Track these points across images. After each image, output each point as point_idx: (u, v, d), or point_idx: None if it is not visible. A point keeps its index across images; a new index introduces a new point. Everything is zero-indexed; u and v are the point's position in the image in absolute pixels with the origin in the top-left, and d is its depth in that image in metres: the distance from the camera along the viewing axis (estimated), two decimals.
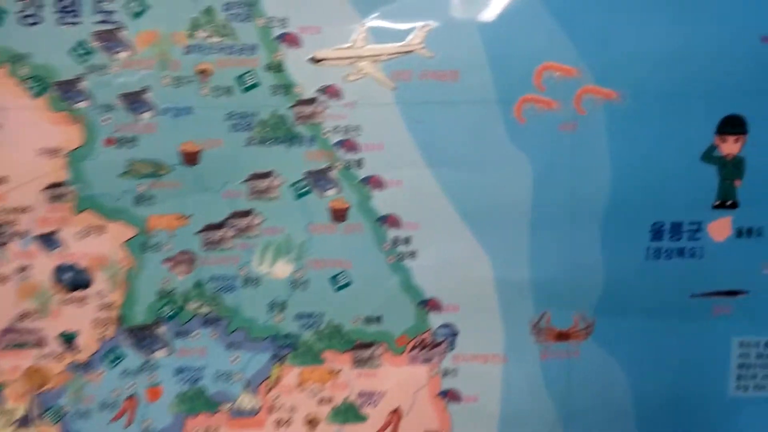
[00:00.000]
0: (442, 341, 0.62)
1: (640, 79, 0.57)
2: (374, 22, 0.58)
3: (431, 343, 0.62)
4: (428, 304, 0.61)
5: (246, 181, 0.60)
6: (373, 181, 0.60)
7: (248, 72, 0.57)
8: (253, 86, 0.58)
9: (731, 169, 0.59)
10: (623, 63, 0.57)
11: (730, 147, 0.58)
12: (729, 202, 0.59)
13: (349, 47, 0.59)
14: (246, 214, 0.62)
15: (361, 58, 0.59)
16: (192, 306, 0.63)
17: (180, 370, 0.64)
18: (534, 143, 0.58)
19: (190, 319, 0.64)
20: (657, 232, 0.60)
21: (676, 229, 0.60)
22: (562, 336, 0.62)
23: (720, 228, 0.59)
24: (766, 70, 0.56)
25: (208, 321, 0.64)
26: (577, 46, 0.57)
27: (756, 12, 0.56)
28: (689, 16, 0.57)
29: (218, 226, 0.62)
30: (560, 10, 0.57)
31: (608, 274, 0.60)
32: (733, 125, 0.58)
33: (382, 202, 0.60)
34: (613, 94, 0.58)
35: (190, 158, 0.60)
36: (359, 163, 0.60)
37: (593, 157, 0.58)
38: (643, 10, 0.57)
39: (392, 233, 0.60)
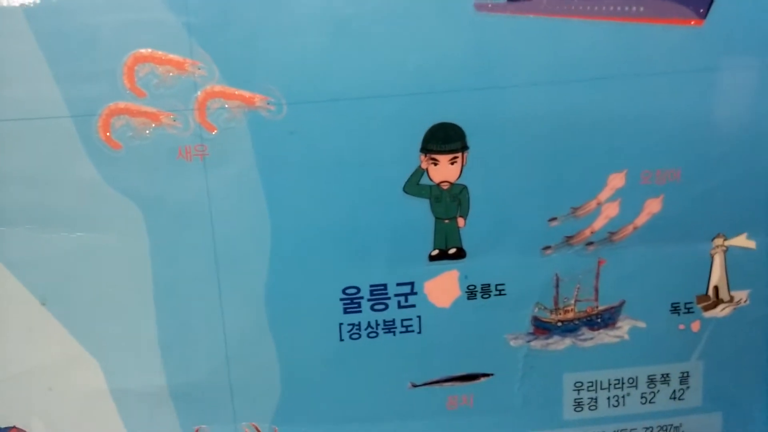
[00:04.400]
0: None
1: (296, 73, 0.41)
2: None
3: None
4: None
5: None
6: None
7: None
8: None
9: (449, 203, 0.44)
10: (265, 49, 0.40)
11: (444, 171, 0.44)
12: (452, 250, 0.45)
13: None
14: None
15: None
16: None
17: None
18: (141, 182, 0.42)
19: None
20: (351, 302, 0.45)
21: (379, 294, 0.46)
22: None
23: (442, 287, 0.46)
24: (484, 53, 0.42)
25: None
26: (188, 23, 0.40)
27: None
28: None
29: None
30: None
31: (286, 368, 0.46)
32: (443, 139, 0.43)
33: None
34: (256, 98, 0.41)
35: None
36: None
37: (239, 197, 0.43)
38: None
39: None
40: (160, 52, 0.39)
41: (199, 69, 0.40)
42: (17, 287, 0.42)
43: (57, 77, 0.39)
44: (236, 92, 0.40)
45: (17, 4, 0.38)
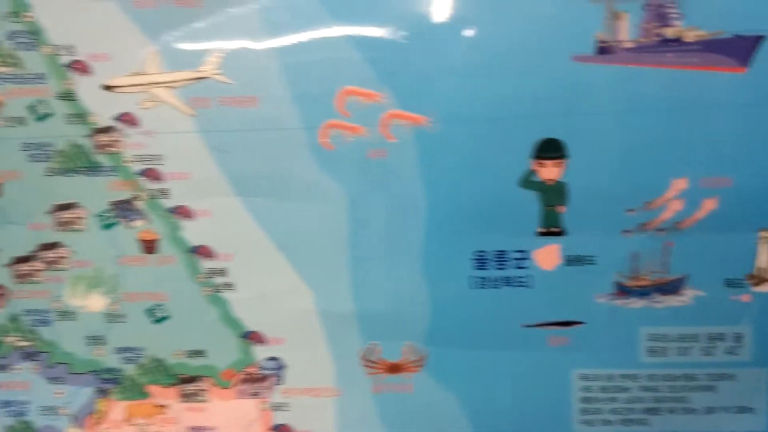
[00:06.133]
0: (270, 375, 0.68)
1: (448, 102, 0.61)
2: (166, 46, 0.66)
3: (258, 377, 0.69)
4: (251, 337, 0.67)
5: (50, 212, 0.67)
6: (182, 211, 0.66)
7: (39, 101, 0.65)
8: (47, 115, 0.65)
9: (553, 195, 0.63)
10: (427, 86, 0.61)
11: (549, 172, 0.62)
12: (555, 229, 0.63)
13: (140, 73, 0.67)
14: (53, 246, 0.70)
15: (154, 84, 0.66)
16: (10, 340, 0.72)
17: (4, 404, 0.73)
18: (344, 171, 0.63)
19: (9, 353, 0.72)
20: (480, 261, 0.66)
21: (501, 257, 0.65)
22: (394, 368, 0.67)
23: (547, 256, 0.64)
24: (579, 90, 0.61)
25: (28, 355, 0.72)
26: (377, 69, 0.62)
27: (565, 31, 0.60)
28: (494, 37, 0.60)
29: (26, 258, 0.70)
30: (358, 34, 0.62)
31: (434, 305, 0.65)
32: (549, 149, 0.62)
33: (192, 232, 0.66)
34: (421, 118, 0.63)
35: None
36: (165, 193, 0.67)
37: (407, 185, 0.63)
38: (443, 31, 0.61)
39: (206, 264, 0.66)
40: (359, 88, 0.68)
41: (384, 99, 0.68)
42: (262, 236, 0.65)
43: (296, 101, 0.69)
44: (407, 114, 0.67)
45: (273, 51, 0.69)
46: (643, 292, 0.66)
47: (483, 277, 0.66)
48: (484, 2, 0.60)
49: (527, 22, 0.60)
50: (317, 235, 0.65)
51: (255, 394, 0.69)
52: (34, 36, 0.61)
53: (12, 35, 0.60)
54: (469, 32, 0.61)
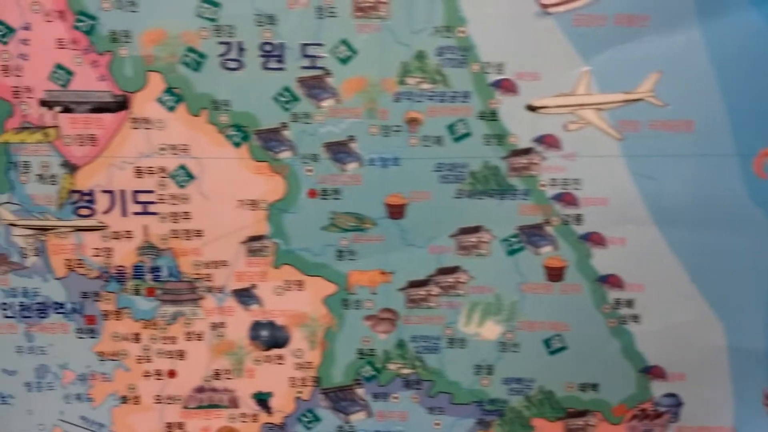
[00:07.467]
0: (665, 412, 0.70)
1: None
2: (599, 67, 0.66)
3: (653, 414, 0.71)
4: (651, 372, 0.69)
5: (454, 235, 0.68)
6: (594, 239, 0.68)
7: (460, 120, 0.66)
8: (465, 135, 0.66)
9: None
10: None
11: None
12: None
13: (570, 95, 0.67)
14: (453, 270, 0.71)
15: (583, 106, 0.67)
16: (393, 367, 0.73)
17: None
18: None
19: (390, 381, 0.73)
20: None
21: None
22: None
23: None
24: None
25: (410, 383, 0.73)
26: None
27: None
28: None
29: (423, 283, 0.71)
30: None
31: None
32: None
33: (603, 261, 0.68)
34: None
35: (396, 212, 0.70)
36: (579, 219, 0.68)
37: None
38: None
39: (613, 295, 0.68)
40: None
41: None
42: (677, 267, 0.67)
43: (733, 127, 0.67)
44: None
45: (715, 74, 0.68)
46: None
47: None
48: None
49: None
50: (737, 269, 0.67)
51: None
52: (464, 52, 0.62)
53: (441, 51, 0.60)
54: None
